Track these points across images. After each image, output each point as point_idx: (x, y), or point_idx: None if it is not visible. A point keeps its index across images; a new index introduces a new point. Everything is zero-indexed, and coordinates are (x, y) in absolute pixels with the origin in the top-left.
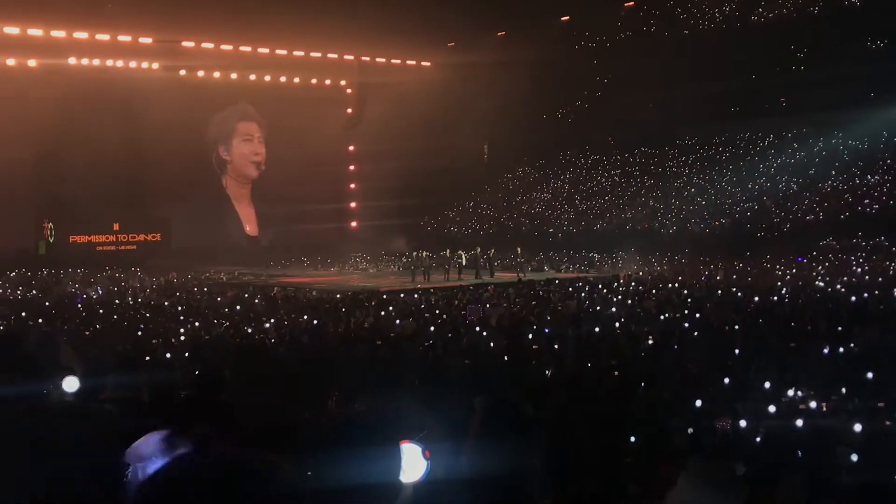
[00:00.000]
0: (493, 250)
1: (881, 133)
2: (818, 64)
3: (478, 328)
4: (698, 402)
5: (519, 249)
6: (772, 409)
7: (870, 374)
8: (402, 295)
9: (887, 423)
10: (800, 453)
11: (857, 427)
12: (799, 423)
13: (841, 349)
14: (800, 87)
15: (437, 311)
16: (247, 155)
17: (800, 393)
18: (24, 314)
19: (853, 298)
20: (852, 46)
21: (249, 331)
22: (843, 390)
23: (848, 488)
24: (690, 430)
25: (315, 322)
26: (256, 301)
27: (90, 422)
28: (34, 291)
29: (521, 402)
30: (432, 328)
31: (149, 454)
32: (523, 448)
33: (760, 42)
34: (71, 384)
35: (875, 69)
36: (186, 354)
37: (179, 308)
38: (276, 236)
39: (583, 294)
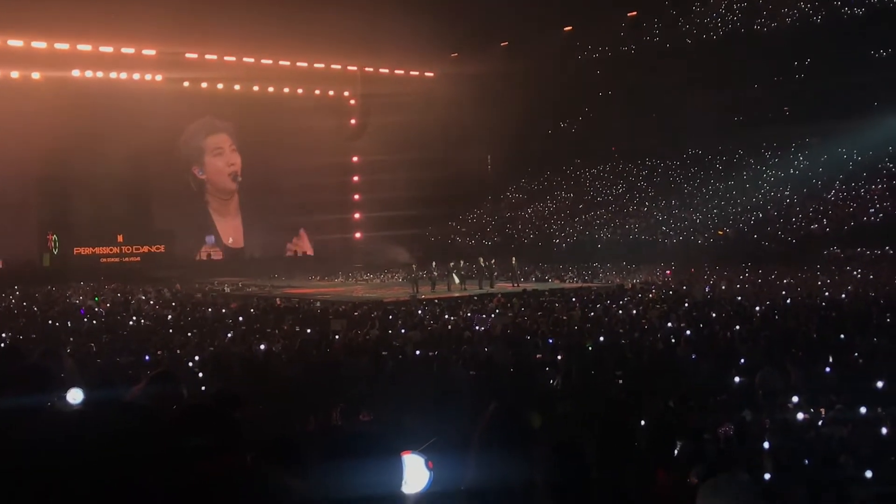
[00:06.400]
0: (493, 260)
1: (885, 142)
2: (821, 73)
3: (482, 339)
4: (702, 411)
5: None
6: (776, 417)
7: (879, 384)
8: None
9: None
10: (806, 462)
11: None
12: (803, 432)
13: (844, 358)
14: (803, 96)
15: (442, 322)
16: (222, 169)
17: (804, 402)
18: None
19: (857, 307)
20: (855, 56)
21: (254, 342)
22: (847, 399)
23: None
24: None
25: (317, 333)
26: (260, 312)
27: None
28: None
29: (530, 412)
30: (437, 339)
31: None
32: (526, 459)
33: (763, 52)
34: (75, 396)
35: (878, 78)
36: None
37: (181, 322)
38: (265, 247)
39: (587, 304)
